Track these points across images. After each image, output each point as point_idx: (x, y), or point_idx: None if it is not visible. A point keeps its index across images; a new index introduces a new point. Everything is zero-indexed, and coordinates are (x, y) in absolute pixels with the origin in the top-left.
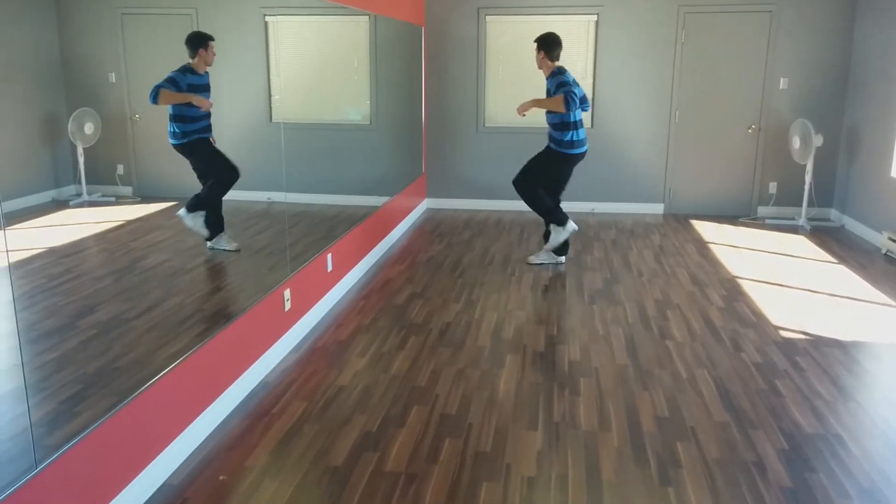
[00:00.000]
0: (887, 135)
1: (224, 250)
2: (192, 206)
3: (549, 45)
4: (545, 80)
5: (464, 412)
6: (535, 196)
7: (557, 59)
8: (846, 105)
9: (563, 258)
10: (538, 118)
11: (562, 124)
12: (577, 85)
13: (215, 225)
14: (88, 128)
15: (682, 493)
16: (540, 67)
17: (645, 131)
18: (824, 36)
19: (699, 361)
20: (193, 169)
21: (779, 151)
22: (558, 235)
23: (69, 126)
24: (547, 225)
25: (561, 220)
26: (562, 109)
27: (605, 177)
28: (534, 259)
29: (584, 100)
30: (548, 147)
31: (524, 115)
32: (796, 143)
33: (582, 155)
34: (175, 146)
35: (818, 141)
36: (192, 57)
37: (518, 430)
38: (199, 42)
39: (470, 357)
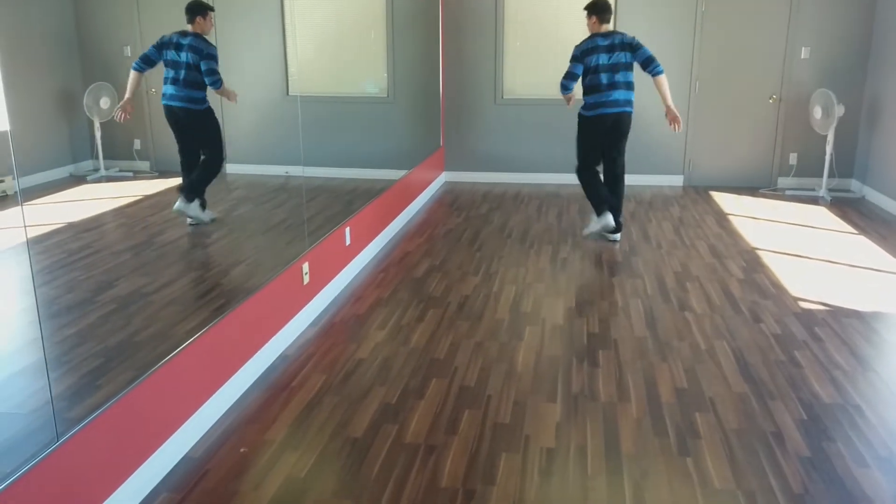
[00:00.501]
0: None
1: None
2: (191, 195)
3: (598, 9)
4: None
5: (483, 384)
6: (583, 181)
7: (607, 23)
8: (868, 74)
9: (616, 236)
10: (557, 90)
11: (588, 87)
12: (614, 51)
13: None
14: (104, 102)
15: (700, 464)
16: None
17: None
18: (847, 4)
19: (718, 333)
20: (193, 141)
21: (800, 122)
22: (592, 224)
23: (84, 101)
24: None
25: (598, 210)
26: (567, 100)
27: None
28: (586, 230)
29: (648, 61)
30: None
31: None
32: (818, 113)
33: (602, 118)
34: (195, 111)
35: (840, 111)
36: (190, 23)
37: (537, 401)
38: (198, 10)
39: (489, 330)
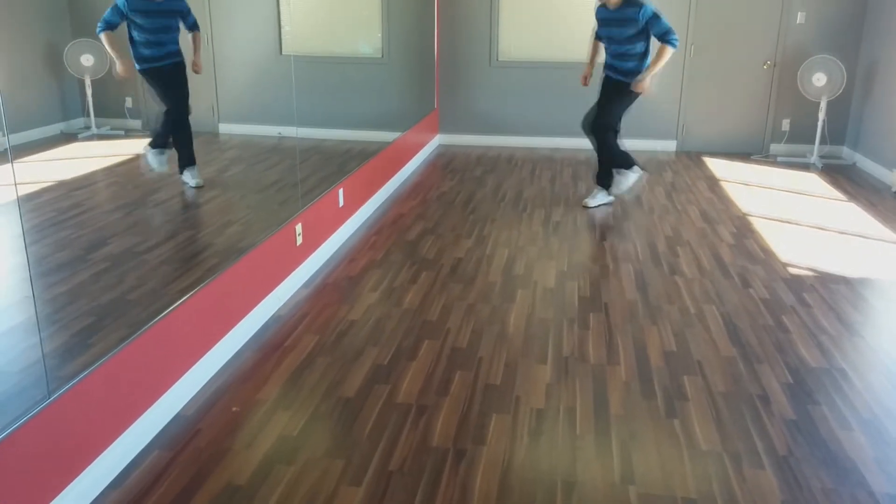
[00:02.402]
0: None
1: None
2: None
3: None
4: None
5: (474, 346)
6: (615, 144)
7: None
8: (863, 41)
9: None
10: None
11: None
12: (606, 24)
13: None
14: (87, 59)
15: (687, 425)
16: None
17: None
18: None
19: (707, 297)
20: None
21: (793, 88)
22: (621, 181)
23: (65, 58)
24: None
25: (632, 163)
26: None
27: None
28: (591, 202)
29: (666, 34)
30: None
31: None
32: (820, 80)
33: (607, 78)
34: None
35: (823, 78)
36: None
37: (528, 363)
38: None
39: (481, 292)
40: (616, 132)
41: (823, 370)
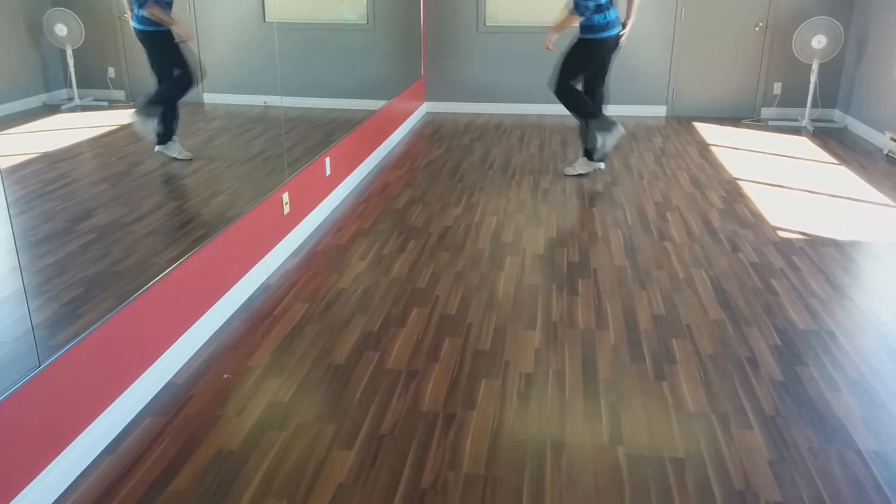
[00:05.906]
0: None
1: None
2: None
3: None
4: None
5: (463, 313)
6: (568, 93)
7: None
8: (856, 3)
9: (602, 164)
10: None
11: (595, 7)
12: None
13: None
14: (60, 30)
15: (676, 388)
16: None
17: (648, 30)
18: None
19: (697, 262)
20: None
21: (786, 50)
22: (604, 140)
23: (44, 28)
24: (586, 131)
25: (596, 115)
26: (576, 21)
27: None
28: (570, 170)
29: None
30: (577, 38)
31: (551, 49)
32: (821, 41)
33: (608, 41)
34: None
35: (825, 41)
36: None
37: (517, 329)
38: None
39: (469, 260)
40: None
41: (812, 332)
